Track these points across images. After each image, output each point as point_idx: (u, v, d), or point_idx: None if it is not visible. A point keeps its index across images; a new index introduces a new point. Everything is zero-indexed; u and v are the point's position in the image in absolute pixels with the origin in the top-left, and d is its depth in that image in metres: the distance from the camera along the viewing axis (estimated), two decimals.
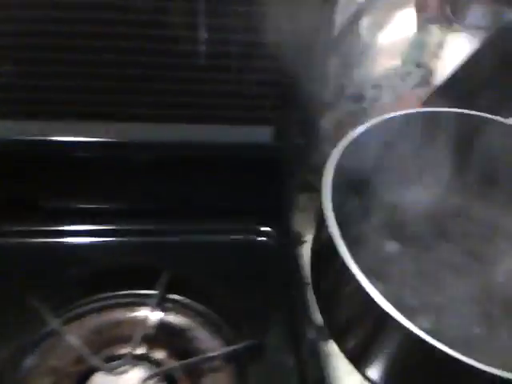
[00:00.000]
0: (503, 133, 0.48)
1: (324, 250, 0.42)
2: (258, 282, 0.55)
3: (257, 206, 0.59)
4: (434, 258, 0.52)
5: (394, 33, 0.58)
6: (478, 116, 0.48)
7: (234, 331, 0.51)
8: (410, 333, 0.32)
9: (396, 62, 0.59)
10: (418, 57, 0.59)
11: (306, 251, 0.60)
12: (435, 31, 0.58)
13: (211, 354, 0.49)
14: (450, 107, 0.51)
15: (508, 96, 0.49)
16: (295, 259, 0.58)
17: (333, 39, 0.57)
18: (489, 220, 0.52)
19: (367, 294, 0.34)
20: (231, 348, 0.49)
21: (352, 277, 0.35)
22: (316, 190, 0.69)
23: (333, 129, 0.66)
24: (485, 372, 0.31)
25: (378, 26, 0.58)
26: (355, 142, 0.44)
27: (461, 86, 0.51)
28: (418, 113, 0.48)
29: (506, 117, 0.50)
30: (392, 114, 0.47)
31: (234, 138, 0.54)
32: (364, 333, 0.40)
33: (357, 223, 0.46)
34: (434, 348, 0.32)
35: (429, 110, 0.48)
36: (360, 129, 0.45)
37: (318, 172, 0.69)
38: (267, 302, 0.53)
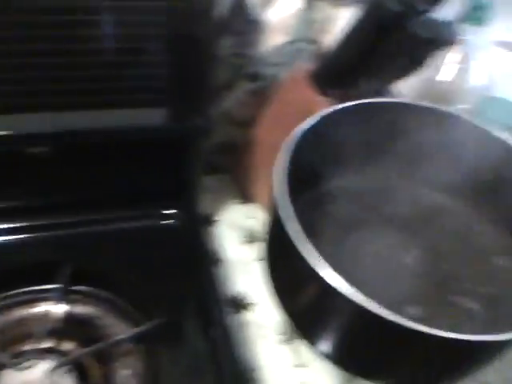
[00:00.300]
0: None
1: (278, 234, 0.41)
2: (165, 264, 0.55)
3: (159, 190, 0.59)
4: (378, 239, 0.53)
5: (282, 9, 0.59)
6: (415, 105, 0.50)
7: (143, 315, 0.51)
8: (350, 300, 0.33)
9: (287, 39, 0.60)
10: (307, 33, 0.60)
11: (216, 231, 0.61)
12: (322, 7, 0.60)
13: (117, 338, 0.49)
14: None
15: (385, 66, 0.52)
16: (202, 239, 0.59)
17: (222, 18, 0.57)
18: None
19: (310, 267, 0.35)
20: (137, 329, 0.49)
21: (298, 253, 0.36)
22: (224, 171, 0.70)
23: (233, 109, 0.66)
24: (422, 333, 0.32)
25: (266, 2, 0.59)
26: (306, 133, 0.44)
27: (343, 58, 0.53)
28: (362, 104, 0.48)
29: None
30: (340, 106, 0.47)
31: (128, 122, 0.53)
32: (310, 305, 0.41)
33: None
34: (370, 312, 0.32)
35: (375, 101, 0.50)
36: (311, 120, 0.45)
37: (224, 153, 0.70)
38: (175, 283, 0.54)
